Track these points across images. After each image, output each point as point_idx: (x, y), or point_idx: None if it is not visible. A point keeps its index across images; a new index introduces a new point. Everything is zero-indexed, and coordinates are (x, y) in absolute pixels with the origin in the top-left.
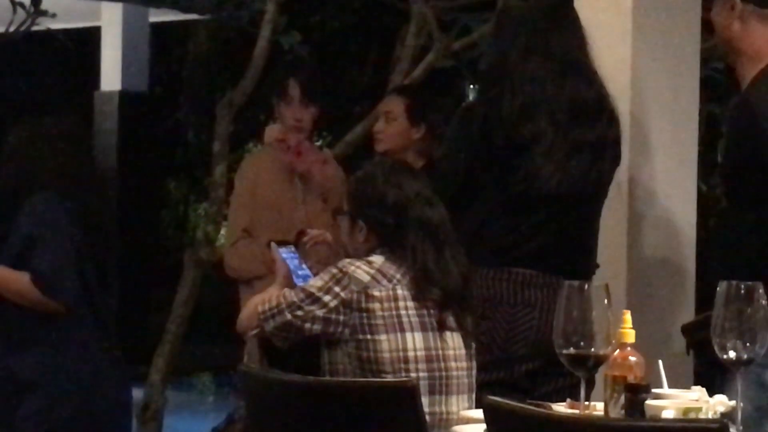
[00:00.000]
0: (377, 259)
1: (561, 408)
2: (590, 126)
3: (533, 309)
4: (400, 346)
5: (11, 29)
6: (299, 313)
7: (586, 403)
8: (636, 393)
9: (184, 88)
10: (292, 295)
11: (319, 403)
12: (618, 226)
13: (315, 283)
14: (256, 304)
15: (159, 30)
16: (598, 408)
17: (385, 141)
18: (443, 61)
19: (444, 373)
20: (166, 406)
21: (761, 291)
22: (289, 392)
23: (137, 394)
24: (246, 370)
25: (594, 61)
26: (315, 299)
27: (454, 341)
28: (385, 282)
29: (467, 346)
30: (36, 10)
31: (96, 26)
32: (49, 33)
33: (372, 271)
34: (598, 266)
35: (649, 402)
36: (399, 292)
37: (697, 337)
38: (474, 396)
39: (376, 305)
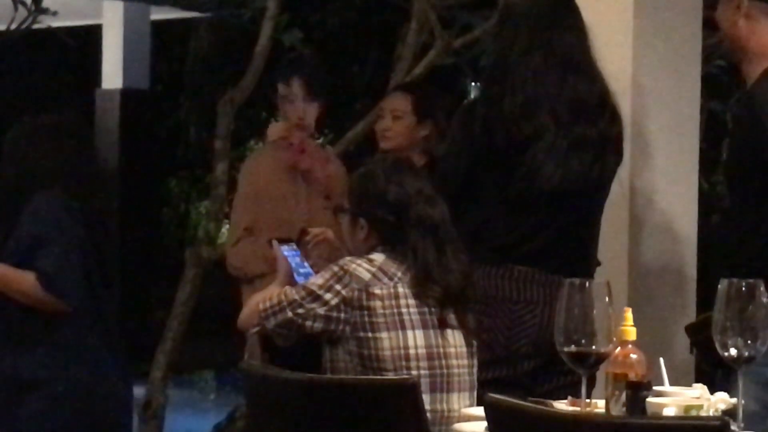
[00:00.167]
0: (378, 257)
1: (562, 406)
2: (592, 123)
3: (535, 307)
4: (401, 344)
5: (12, 27)
6: (300, 311)
7: (587, 400)
8: (637, 391)
9: (186, 85)
10: (293, 293)
11: (321, 401)
12: (619, 224)
13: (316, 281)
14: (257, 302)
15: (160, 28)
16: (599, 406)
17: (392, 139)
18: (444, 58)
19: (445, 371)
20: (168, 404)
21: (762, 289)
22: (291, 390)
23: (138, 391)
24: (247, 367)
25: (596, 59)
26: (316, 297)
27: (455, 339)
28: (386, 280)
29: (468, 344)
30: (37, 8)
31: (97, 24)
32: (51, 31)
33: (373, 269)
34: (599, 264)
35: (650, 400)
36: (400, 290)
37: (701, 336)
38: (475, 393)
39: (377, 303)
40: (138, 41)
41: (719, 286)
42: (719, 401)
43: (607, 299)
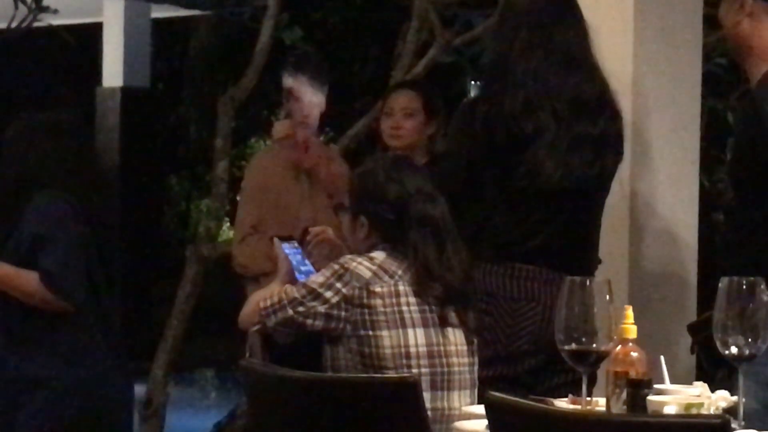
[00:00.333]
0: (379, 255)
1: (563, 404)
2: (592, 121)
3: (536, 305)
4: (402, 342)
5: (13, 25)
6: (301, 309)
7: (588, 398)
8: (638, 389)
9: (186, 84)
10: (293, 291)
11: (321, 399)
12: (620, 223)
13: (316, 279)
14: (257, 300)
15: (161, 26)
16: (600, 404)
17: (404, 137)
18: (445, 56)
19: (446, 369)
20: (168, 402)
21: (763, 287)
22: (291, 388)
23: (139, 389)
24: (248, 365)
25: (596, 57)
26: (316, 295)
27: (455, 337)
28: (386, 278)
29: (469, 342)
30: (38, 6)
31: (98, 22)
32: (51, 29)
33: (373, 267)
34: (600, 261)
35: (651, 398)
36: (400, 288)
37: (702, 335)
38: (476, 392)
39: (378, 301)
40: (138, 39)
41: (720, 284)
42: (720, 399)
43: (607, 297)
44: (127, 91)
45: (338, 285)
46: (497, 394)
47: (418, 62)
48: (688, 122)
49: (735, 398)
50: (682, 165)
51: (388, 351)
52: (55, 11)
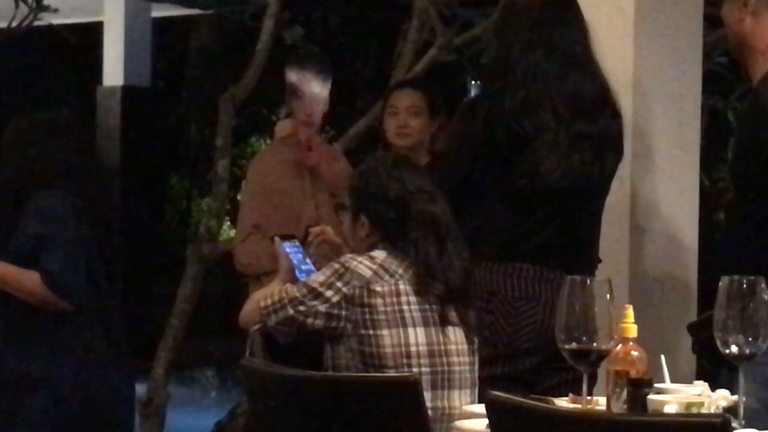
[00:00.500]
0: (379, 254)
1: (563, 403)
2: (593, 120)
3: (537, 304)
4: (403, 342)
5: (14, 24)
6: (301, 308)
7: (588, 397)
8: (638, 388)
9: (187, 82)
10: (294, 291)
11: (322, 398)
12: (620, 222)
13: (317, 278)
14: (258, 299)
15: (161, 25)
16: (600, 403)
17: (411, 135)
18: (445, 55)
19: (446, 368)
20: (169, 401)
21: (763, 286)
22: (292, 387)
23: (140, 388)
24: (248, 365)
25: (596, 55)
26: (317, 294)
27: (456, 336)
28: (387, 277)
29: (469, 341)
30: (38, 6)
31: (98, 21)
32: (52, 28)
33: (374, 267)
34: (600, 260)
35: (651, 397)
36: (401, 287)
37: (703, 335)
38: (476, 391)
39: (378, 300)
40: (139, 38)
41: (720, 284)
42: (720, 398)
43: (608, 296)
44: (127, 90)
45: (339, 284)
46: (498, 393)
47: (419, 61)
48: (689, 121)
49: (735, 397)
50: (682, 164)
51: (388, 350)
52: (56, 10)
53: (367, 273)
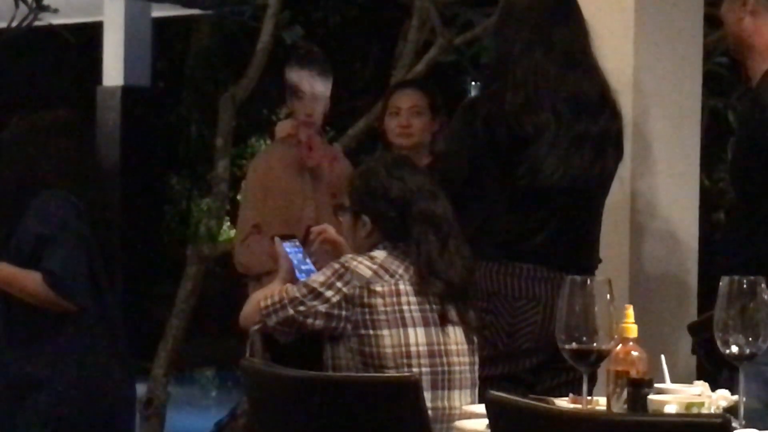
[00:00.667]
0: (379, 255)
1: (563, 403)
2: (593, 120)
3: (537, 303)
4: (403, 342)
5: (13, 25)
6: (301, 308)
7: (589, 398)
8: (638, 388)
9: (187, 83)
10: (294, 291)
11: (322, 398)
12: (620, 222)
13: (317, 278)
14: (258, 300)
15: (161, 25)
16: (600, 403)
17: (414, 135)
18: (445, 56)
19: (446, 368)
20: (169, 401)
21: (763, 286)
22: (292, 387)
23: (140, 389)
24: (248, 365)
25: (596, 55)
26: (317, 294)
27: (456, 336)
28: (387, 277)
29: (469, 341)
30: (38, 6)
31: (98, 21)
32: (51, 28)
33: (374, 267)
34: (600, 261)
35: (651, 397)
36: (401, 287)
37: (703, 335)
38: (477, 391)
39: (378, 300)
40: (139, 38)
41: (721, 284)
42: (720, 398)
43: (608, 296)
44: (127, 91)
45: (339, 284)
46: (498, 393)
47: (419, 61)
48: (689, 121)
49: (736, 397)
50: (682, 164)
51: (388, 350)
52: (56, 11)
53: (367, 273)
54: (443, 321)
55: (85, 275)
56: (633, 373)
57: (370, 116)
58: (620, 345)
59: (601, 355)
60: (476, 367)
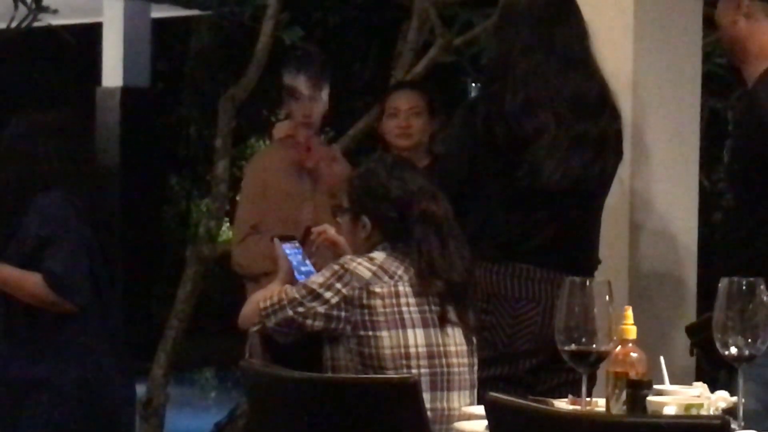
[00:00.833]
0: (378, 256)
1: (562, 404)
2: (592, 121)
3: (537, 304)
4: (402, 343)
5: (13, 25)
6: (300, 309)
7: (588, 399)
8: (638, 389)
9: (186, 83)
10: (293, 292)
11: (322, 399)
12: (619, 223)
13: (316, 279)
14: (257, 301)
15: (160, 26)
16: (599, 404)
17: (413, 135)
18: (445, 56)
19: (445, 369)
20: (168, 402)
21: (762, 287)
22: (291, 388)
23: (139, 389)
24: (248, 366)
25: (596, 57)
26: (316, 296)
27: (455, 337)
28: (386, 278)
29: (469, 342)
30: (37, 6)
31: (97, 22)
32: (51, 29)
33: (373, 268)
34: (600, 261)
35: (650, 398)
36: (400, 288)
37: (701, 337)
38: (476, 392)
39: (378, 302)
40: (138, 39)
41: (720, 285)
42: (719, 400)
43: (607, 298)
44: (127, 91)
45: (338, 285)
46: (497, 394)
47: (419, 62)
48: (688, 122)
49: (735, 399)
50: (682, 165)
51: (387, 351)
52: (55, 11)
53: (367, 274)
54: (442, 322)
55: (86, 276)
56: (632, 375)
57: (370, 117)
58: (619, 346)
59: (601, 357)
60: (475, 368)
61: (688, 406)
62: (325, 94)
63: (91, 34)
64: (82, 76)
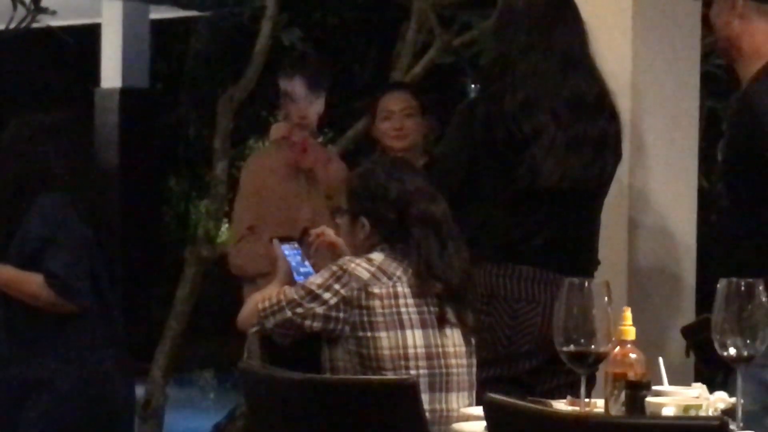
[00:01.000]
0: (377, 257)
1: (561, 405)
2: (591, 121)
3: (536, 305)
4: (400, 344)
5: (11, 26)
6: (299, 310)
7: (587, 400)
8: (636, 390)
9: (185, 84)
10: (292, 293)
11: (320, 400)
12: (618, 224)
13: (315, 280)
14: (256, 302)
15: (159, 27)
16: (598, 405)
17: (407, 136)
18: (444, 57)
19: (444, 370)
20: (167, 403)
21: (761, 288)
22: (290, 389)
23: (138, 390)
24: (246, 367)
25: (595, 57)
26: (315, 296)
27: (454, 338)
28: (385, 279)
29: (467, 343)
30: (36, 7)
31: (96, 23)
32: (49, 30)
33: (372, 269)
34: (599, 262)
35: (649, 399)
36: (399, 289)
37: (698, 338)
38: (474, 393)
39: (376, 302)
40: (137, 40)
41: (718, 286)
42: (718, 401)
43: (606, 299)
44: (126, 92)
45: (336, 286)
46: (495, 395)
47: (417, 63)
48: (687, 123)
49: (733, 400)
50: (680, 166)
51: (386, 352)
52: (54, 12)
53: (365, 275)
54: (441, 323)
55: (87, 277)
56: (631, 376)
57: (369, 118)
58: (618, 347)
59: (599, 358)
60: (474, 369)
61: (687, 407)
62: (321, 96)
63: (90, 35)
64: (81, 77)
